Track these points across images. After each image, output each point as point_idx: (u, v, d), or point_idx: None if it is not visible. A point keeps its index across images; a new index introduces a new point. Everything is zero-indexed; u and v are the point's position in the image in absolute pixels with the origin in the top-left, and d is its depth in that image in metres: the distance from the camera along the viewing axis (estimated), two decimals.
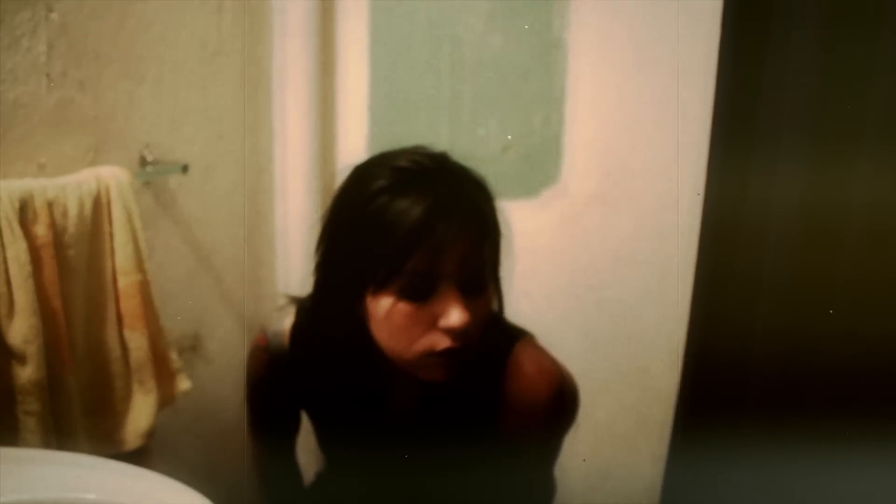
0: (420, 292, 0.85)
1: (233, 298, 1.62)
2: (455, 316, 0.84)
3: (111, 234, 1.18)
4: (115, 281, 1.20)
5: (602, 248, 1.66)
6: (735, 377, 1.42)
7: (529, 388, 0.94)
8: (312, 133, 1.69)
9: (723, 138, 1.39)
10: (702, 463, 1.46)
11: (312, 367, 0.99)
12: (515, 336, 1.00)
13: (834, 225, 1.15)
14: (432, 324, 0.86)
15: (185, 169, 1.38)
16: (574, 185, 1.66)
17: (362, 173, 0.91)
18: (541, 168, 1.67)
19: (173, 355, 1.30)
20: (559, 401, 0.96)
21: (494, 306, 0.96)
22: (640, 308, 1.64)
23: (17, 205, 1.02)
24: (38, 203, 1.06)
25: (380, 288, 0.86)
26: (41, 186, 1.07)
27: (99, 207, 1.16)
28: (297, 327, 1.02)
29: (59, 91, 1.18)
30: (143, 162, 1.36)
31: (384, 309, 0.86)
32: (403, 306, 0.85)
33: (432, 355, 0.87)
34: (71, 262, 1.11)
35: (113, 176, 1.19)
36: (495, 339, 0.96)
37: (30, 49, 1.12)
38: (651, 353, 1.65)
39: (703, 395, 1.47)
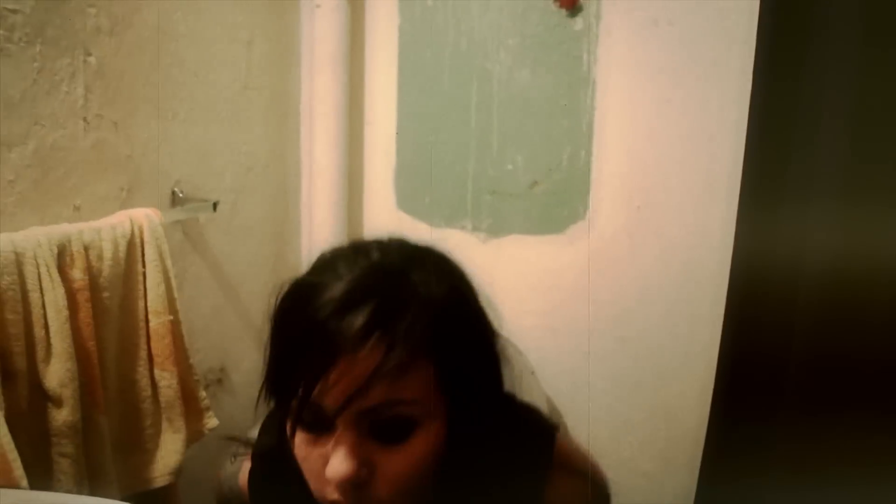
0: (314, 423, 0.66)
1: (258, 332, 1.63)
2: (334, 466, 0.64)
3: (144, 275, 1.19)
4: (146, 321, 1.20)
5: (629, 284, 1.65)
6: (764, 418, 1.41)
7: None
8: (340, 166, 1.69)
9: (754, 180, 1.39)
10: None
11: None
12: (547, 440, 0.80)
13: (865, 275, 1.14)
14: (323, 460, 0.66)
15: (215, 207, 1.39)
16: (601, 220, 1.66)
17: (299, 282, 0.72)
18: (568, 204, 1.67)
19: (202, 393, 1.30)
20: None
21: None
22: (666, 346, 1.64)
23: (55, 250, 1.03)
24: (76, 247, 1.07)
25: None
26: (78, 231, 1.08)
27: (133, 249, 1.17)
28: (252, 472, 0.85)
29: (95, 133, 1.19)
30: (175, 198, 1.37)
31: (294, 441, 0.69)
32: (300, 436, 0.67)
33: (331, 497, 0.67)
34: (105, 304, 1.12)
35: (146, 217, 1.20)
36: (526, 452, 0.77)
37: (69, 93, 1.14)
38: (677, 392, 1.64)
39: (733, 434, 1.46)
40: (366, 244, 0.73)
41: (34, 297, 1.00)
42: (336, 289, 0.65)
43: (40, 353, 1.02)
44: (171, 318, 1.22)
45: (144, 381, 1.21)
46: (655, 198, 1.62)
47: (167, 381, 1.22)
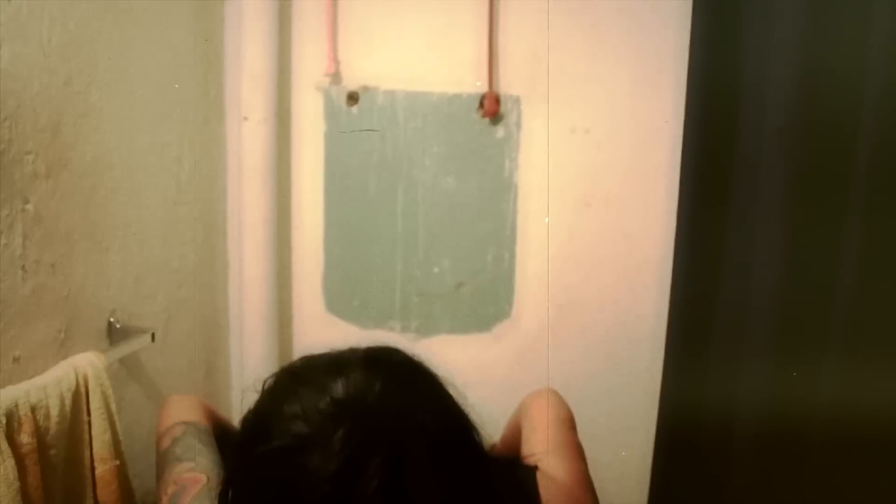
0: None
1: None
2: None
3: (89, 424, 1.17)
4: (92, 469, 1.18)
5: (554, 379, 1.73)
6: None
7: None
8: (269, 273, 1.71)
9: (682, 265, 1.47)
10: None
11: None
12: (532, 481, 0.87)
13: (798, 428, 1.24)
14: None
15: (153, 337, 1.37)
16: (526, 317, 1.74)
17: (265, 414, 0.69)
18: (494, 303, 1.74)
19: None
20: None
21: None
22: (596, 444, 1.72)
23: (3, 420, 1.01)
24: (23, 411, 1.04)
25: None
26: (24, 392, 1.06)
27: (78, 400, 1.15)
28: None
29: (34, 279, 1.17)
30: (111, 329, 1.35)
31: None
32: None
33: None
34: (52, 462, 1.10)
35: (89, 364, 1.18)
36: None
37: (7, 245, 1.11)
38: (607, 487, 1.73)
39: None
40: (325, 369, 0.68)
41: None
42: (329, 446, 0.60)
43: None
44: (118, 462, 1.21)
45: None
46: (578, 295, 1.72)
47: None
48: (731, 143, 1.35)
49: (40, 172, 1.17)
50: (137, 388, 1.45)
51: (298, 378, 0.69)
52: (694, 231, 1.39)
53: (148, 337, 1.37)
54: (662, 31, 1.60)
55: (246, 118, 1.63)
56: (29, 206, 1.16)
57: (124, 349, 1.33)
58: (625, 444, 1.72)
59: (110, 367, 1.31)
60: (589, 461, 1.68)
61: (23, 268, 1.15)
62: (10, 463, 1.00)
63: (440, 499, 0.63)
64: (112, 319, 1.35)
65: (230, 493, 0.69)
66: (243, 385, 1.72)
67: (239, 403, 1.72)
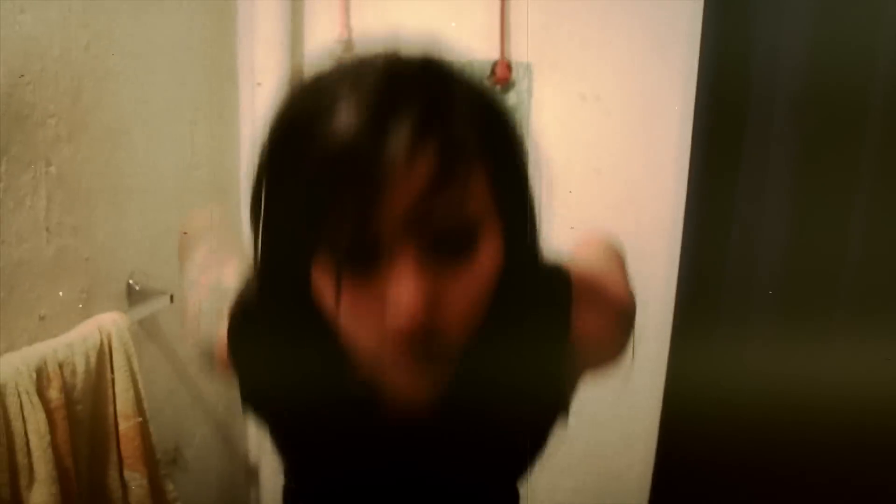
0: (359, 258, 0.55)
1: (208, 408, 1.65)
2: (398, 310, 0.54)
3: (113, 381, 1.21)
4: (116, 425, 1.22)
5: None
6: None
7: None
8: None
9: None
10: None
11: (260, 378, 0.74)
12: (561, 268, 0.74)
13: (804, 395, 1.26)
14: (379, 306, 0.55)
15: (172, 299, 1.40)
16: None
17: (296, 97, 0.60)
18: None
19: (169, 486, 1.32)
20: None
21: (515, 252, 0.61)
22: (603, 408, 1.77)
23: (34, 376, 1.04)
24: (51, 367, 1.08)
25: (316, 255, 0.57)
26: (52, 350, 1.09)
27: (102, 358, 1.19)
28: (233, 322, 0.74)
29: (57, 241, 1.19)
30: (130, 291, 1.38)
31: (318, 280, 0.58)
32: (334, 277, 0.56)
33: (384, 349, 0.58)
34: (79, 417, 1.13)
35: (113, 323, 1.22)
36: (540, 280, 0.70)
37: (32, 207, 1.14)
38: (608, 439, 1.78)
39: None
40: (356, 61, 0.59)
41: (17, 425, 1.01)
42: (361, 101, 0.53)
43: (23, 481, 1.02)
44: (140, 419, 1.24)
45: (115, 484, 1.22)
46: None
47: (137, 481, 1.24)
48: (742, 111, 1.36)
49: (62, 136, 1.20)
50: (155, 349, 1.48)
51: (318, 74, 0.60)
52: (703, 198, 1.41)
53: (167, 298, 1.39)
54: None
55: (259, 83, 1.64)
56: (52, 169, 1.18)
57: (144, 310, 1.36)
58: (632, 404, 1.76)
59: (130, 327, 1.35)
60: (594, 412, 1.72)
61: (47, 229, 1.17)
62: (42, 416, 1.04)
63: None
64: (131, 281, 1.38)
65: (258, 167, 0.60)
66: None
67: None
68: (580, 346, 0.72)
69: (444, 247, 0.55)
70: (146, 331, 1.45)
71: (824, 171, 1.26)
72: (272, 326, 0.68)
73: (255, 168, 0.59)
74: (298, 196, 0.55)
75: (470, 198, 0.55)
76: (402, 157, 0.51)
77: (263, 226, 0.60)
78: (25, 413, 1.02)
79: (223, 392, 1.69)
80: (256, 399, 0.77)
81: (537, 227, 0.65)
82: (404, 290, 0.54)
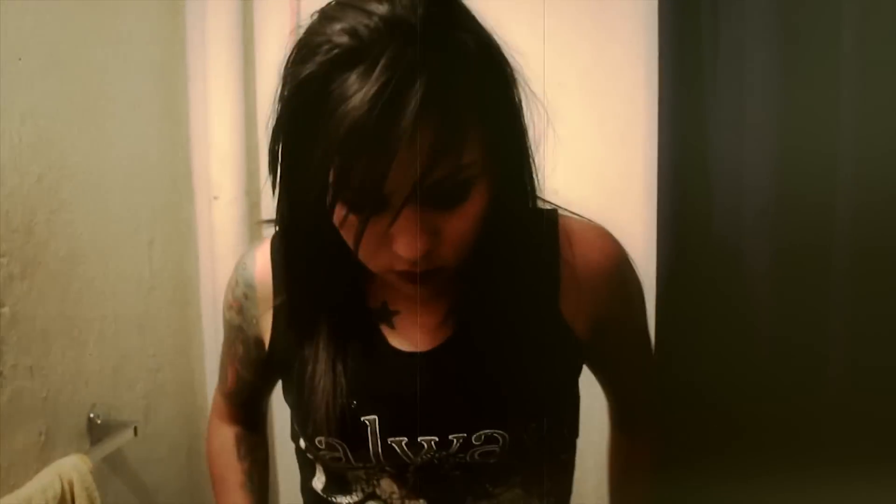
0: (369, 207, 0.64)
1: None
2: (406, 242, 0.66)
3: None
4: None
5: None
6: None
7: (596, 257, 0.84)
8: None
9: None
10: None
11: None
12: (552, 211, 0.85)
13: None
14: (386, 242, 0.67)
15: (136, 431, 1.34)
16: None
17: (313, 32, 0.66)
18: None
19: None
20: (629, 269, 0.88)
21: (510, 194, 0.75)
22: None
23: None
24: None
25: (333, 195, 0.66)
26: None
27: None
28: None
29: (11, 384, 1.14)
30: (91, 424, 1.31)
31: (339, 218, 0.68)
32: (353, 219, 0.66)
33: (394, 273, 0.71)
34: None
35: (74, 468, 1.16)
36: (530, 220, 0.81)
37: None
38: None
39: None
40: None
41: None
42: (372, 66, 0.59)
43: None
44: None
45: None
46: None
47: None
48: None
49: (15, 274, 1.15)
50: (120, 483, 1.41)
51: (345, 4, 0.65)
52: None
53: (130, 431, 1.33)
54: None
55: (216, 197, 1.62)
56: (5, 310, 1.13)
57: (107, 447, 1.30)
58: None
59: (92, 469, 1.28)
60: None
61: (1, 374, 1.12)
62: None
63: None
64: (92, 415, 1.32)
65: (274, 125, 0.68)
66: None
67: None
68: (576, 290, 0.82)
69: (442, 200, 0.66)
70: (111, 465, 1.38)
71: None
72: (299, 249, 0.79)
73: (275, 117, 0.68)
74: (319, 156, 0.62)
75: (467, 154, 0.64)
76: (408, 129, 0.58)
77: (287, 166, 0.69)
78: None
79: None
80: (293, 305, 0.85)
81: (532, 174, 0.76)
82: (408, 233, 0.65)
